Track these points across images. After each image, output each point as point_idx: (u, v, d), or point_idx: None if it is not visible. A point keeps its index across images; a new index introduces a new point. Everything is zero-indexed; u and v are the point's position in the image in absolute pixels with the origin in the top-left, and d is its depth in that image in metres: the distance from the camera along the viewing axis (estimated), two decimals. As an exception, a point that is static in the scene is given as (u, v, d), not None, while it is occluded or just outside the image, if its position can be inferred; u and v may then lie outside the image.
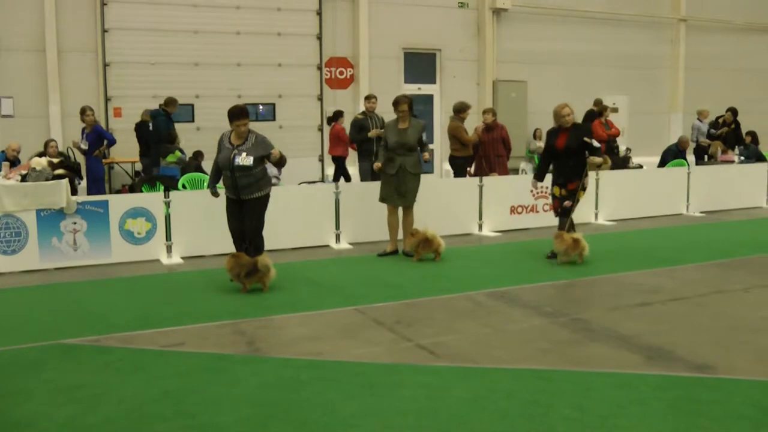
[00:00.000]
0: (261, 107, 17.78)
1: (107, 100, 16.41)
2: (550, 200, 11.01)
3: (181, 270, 10.09)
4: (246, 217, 8.95)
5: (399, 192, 10.54)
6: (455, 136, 13.71)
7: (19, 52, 15.70)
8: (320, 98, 18.36)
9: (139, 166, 16.11)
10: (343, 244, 11.60)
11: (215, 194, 9.21)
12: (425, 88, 19.90)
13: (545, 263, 10.02)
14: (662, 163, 17.35)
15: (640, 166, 17.00)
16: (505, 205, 12.92)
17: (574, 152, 10.01)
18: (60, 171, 11.43)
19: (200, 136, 16.27)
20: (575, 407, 5.09)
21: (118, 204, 10.46)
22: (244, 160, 8.68)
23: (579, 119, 17.15)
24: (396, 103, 10.56)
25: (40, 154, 12.72)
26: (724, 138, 19.31)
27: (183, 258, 10.63)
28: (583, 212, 13.47)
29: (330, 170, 18.12)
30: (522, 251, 10.94)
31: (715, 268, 9.77)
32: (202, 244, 10.67)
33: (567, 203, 10.10)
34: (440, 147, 19.33)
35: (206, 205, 10.12)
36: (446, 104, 18.50)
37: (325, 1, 18.22)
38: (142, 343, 6.76)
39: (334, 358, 6.24)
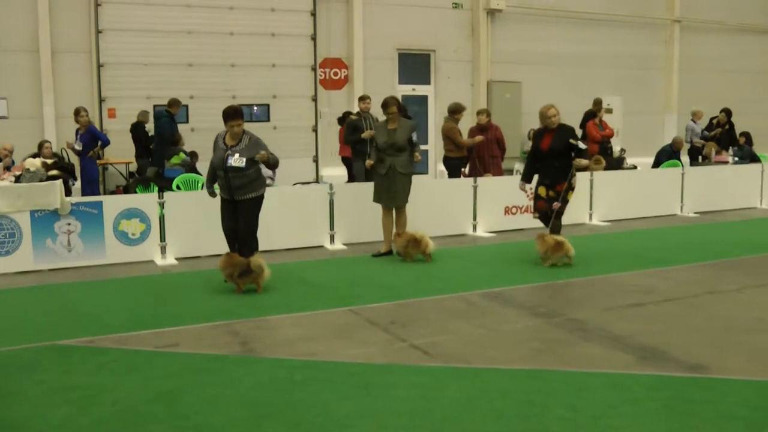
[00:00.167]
0: (255, 108, 17.76)
1: (101, 100, 16.37)
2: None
3: (175, 271, 10.08)
4: (240, 218, 8.96)
5: (389, 192, 10.56)
6: (449, 137, 13.71)
7: (13, 53, 15.66)
8: (314, 99, 18.34)
9: (133, 167, 16.09)
10: (338, 245, 11.60)
11: (212, 194, 9.21)
12: (419, 89, 19.90)
13: (539, 264, 10.02)
14: (656, 164, 17.39)
15: (635, 167, 17.04)
16: (499, 206, 12.94)
17: (559, 153, 9.97)
18: (54, 172, 11.43)
19: (194, 137, 16.25)
20: (569, 407, 5.10)
21: (113, 205, 10.45)
22: (237, 161, 8.69)
23: (576, 120, 17.26)
24: (385, 105, 10.59)
25: (35, 155, 12.70)
26: (718, 139, 19.35)
27: (177, 259, 10.62)
28: (577, 213, 13.52)
29: (326, 171, 18.15)
30: (516, 252, 10.95)
31: (708, 269, 9.79)
32: (196, 245, 10.66)
33: (556, 205, 10.08)
34: (435, 148, 19.34)
35: (200, 206, 10.12)
36: (440, 105, 18.50)
37: (319, 2, 18.21)
38: (137, 344, 6.76)
39: (329, 359, 6.25)
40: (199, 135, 15.84)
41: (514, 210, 13.04)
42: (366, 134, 12.82)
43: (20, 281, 9.49)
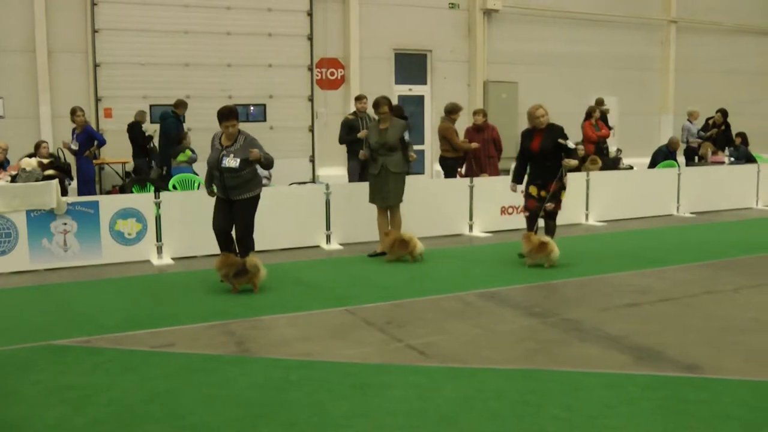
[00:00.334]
0: (252, 108, 17.76)
1: (98, 100, 16.36)
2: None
3: (171, 271, 10.08)
4: (236, 218, 8.96)
5: (382, 192, 10.57)
6: (446, 137, 13.72)
7: (9, 53, 15.64)
8: (311, 99, 18.34)
9: (129, 167, 16.08)
10: (334, 245, 11.60)
11: (212, 194, 9.19)
12: (416, 89, 19.90)
13: (537, 263, 10.00)
14: (653, 164, 17.40)
15: (631, 167, 17.04)
16: (495, 206, 12.94)
17: (549, 153, 9.94)
18: (50, 172, 11.42)
19: (191, 137, 16.23)
20: (564, 407, 5.11)
21: (109, 205, 10.44)
22: (231, 161, 8.69)
23: (574, 120, 17.27)
24: (376, 105, 10.62)
25: (31, 155, 12.69)
26: (714, 139, 19.38)
27: (173, 259, 10.62)
28: (573, 213, 13.54)
29: (323, 171, 18.14)
30: (512, 252, 10.92)
31: (704, 269, 9.80)
32: (192, 244, 10.66)
33: (549, 205, 10.06)
34: (431, 148, 19.34)
35: (197, 206, 10.12)
36: (437, 105, 18.53)
37: (315, 2, 18.20)
38: (132, 344, 6.75)
39: (324, 359, 6.25)
40: (196, 135, 15.81)
41: (510, 210, 13.04)
42: (362, 134, 12.82)
43: (16, 281, 9.49)
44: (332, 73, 18.66)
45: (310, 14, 18.17)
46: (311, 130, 18.38)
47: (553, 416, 4.97)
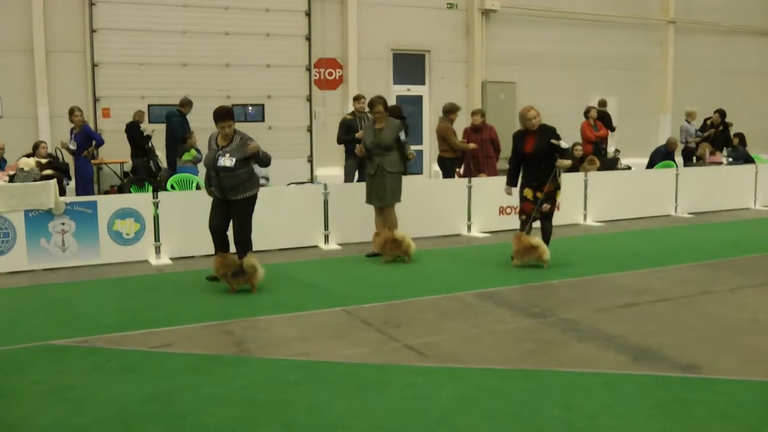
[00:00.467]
0: (250, 108, 17.76)
1: (96, 100, 16.36)
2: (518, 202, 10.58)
3: (169, 271, 10.07)
4: (233, 219, 8.96)
5: (378, 192, 10.57)
6: (444, 137, 13.73)
7: (7, 53, 15.64)
8: (309, 99, 18.35)
9: (128, 167, 16.08)
10: (332, 245, 11.60)
11: (212, 194, 9.18)
12: (414, 89, 19.92)
13: (533, 264, 10.01)
14: (651, 165, 17.41)
15: (629, 168, 17.06)
16: (493, 206, 12.94)
17: (543, 155, 9.89)
18: (48, 171, 11.42)
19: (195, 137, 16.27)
20: (563, 407, 5.11)
21: (107, 205, 10.44)
22: (227, 161, 8.69)
23: (573, 120, 17.30)
24: (371, 105, 10.64)
25: (29, 155, 12.69)
26: (712, 139, 19.40)
27: (172, 259, 10.62)
28: (571, 213, 13.56)
29: (321, 171, 18.15)
30: (510, 252, 10.94)
31: (702, 269, 9.81)
32: (190, 244, 10.65)
33: (546, 206, 10.05)
34: (429, 148, 19.35)
35: (195, 206, 10.12)
36: (435, 105, 18.52)
37: (313, 2, 18.21)
38: (131, 344, 6.75)
39: (323, 359, 6.25)
40: (195, 134, 15.82)
41: (508, 210, 13.04)
42: (360, 134, 12.83)
43: (14, 281, 9.48)
44: (330, 74, 18.67)
45: (308, 14, 18.18)
46: (309, 130, 18.39)
47: (552, 416, 4.98)
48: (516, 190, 10.37)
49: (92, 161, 15.03)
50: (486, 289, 8.69)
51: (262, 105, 17.86)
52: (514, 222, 12.79)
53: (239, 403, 5.25)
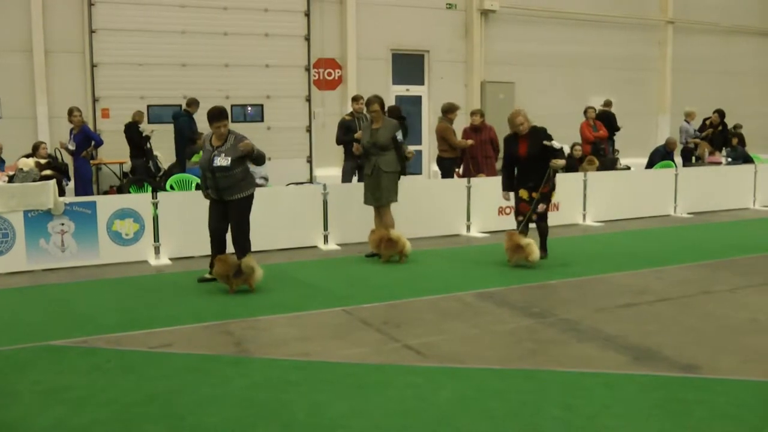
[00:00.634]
0: (249, 108, 17.76)
1: (95, 100, 16.35)
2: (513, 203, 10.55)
3: (169, 271, 10.07)
4: (231, 220, 8.95)
5: (374, 192, 10.57)
6: (443, 137, 13.73)
7: (6, 53, 15.63)
8: (308, 99, 18.35)
9: (127, 167, 16.07)
10: (331, 245, 11.60)
11: (208, 196, 9.18)
12: (413, 90, 19.92)
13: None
14: (650, 165, 17.42)
15: (628, 168, 17.06)
16: (493, 206, 12.92)
17: (538, 157, 9.89)
18: (47, 172, 11.41)
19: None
20: (562, 407, 5.11)
21: (106, 205, 10.43)
22: (222, 160, 8.70)
23: (572, 120, 17.31)
24: (368, 104, 10.66)
25: (28, 156, 12.68)
26: (711, 140, 19.40)
27: (171, 259, 10.61)
28: (570, 213, 13.57)
29: (320, 171, 18.14)
30: (510, 252, 10.97)
31: (702, 269, 9.81)
32: (190, 245, 10.64)
33: (542, 206, 10.06)
34: (428, 148, 19.36)
35: (194, 206, 10.11)
36: (434, 105, 18.51)
37: (312, 2, 18.21)
38: (130, 344, 6.75)
39: (322, 359, 6.25)
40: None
41: (507, 210, 13.00)
42: (359, 134, 12.83)
43: (13, 281, 9.47)
44: (329, 74, 18.67)
45: (307, 14, 18.17)
46: (308, 130, 18.39)
47: (552, 416, 4.98)
48: (513, 195, 10.35)
49: (91, 162, 15.03)
50: (486, 289, 8.69)
51: (261, 105, 17.85)
52: (513, 222, 12.82)
53: (239, 403, 5.25)
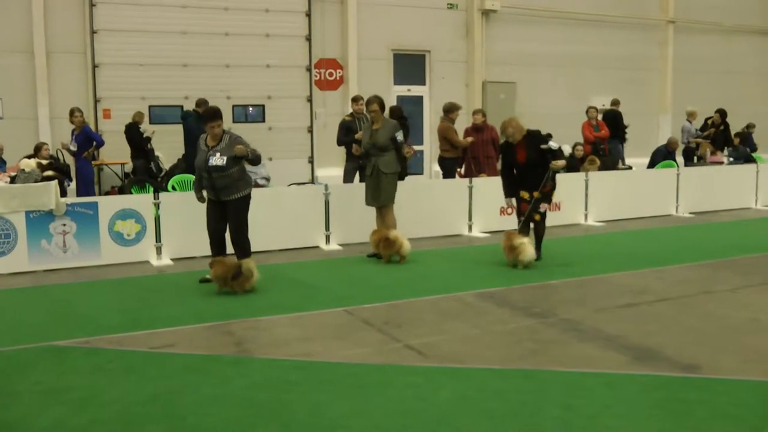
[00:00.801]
0: (251, 109, 17.75)
1: (96, 101, 16.35)
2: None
3: (170, 271, 10.08)
4: (229, 220, 8.96)
5: (373, 192, 10.58)
6: (445, 137, 13.73)
7: (7, 54, 15.64)
8: (310, 100, 18.34)
9: (128, 168, 16.08)
10: (333, 246, 11.61)
11: (201, 199, 9.19)
12: (414, 90, 19.90)
13: (534, 264, 10.00)
14: (651, 164, 17.43)
15: (630, 167, 17.06)
16: (494, 206, 12.91)
17: (537, 162, 9.90)
18: (49, 173, 11.42)
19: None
20: (563, 407, 5.12)
21: (108, 205, 10.45)
22: (218, 160, 8.71)
23: (573, 120, 17.30)
24: (367, 104, 10.70)
25: (30, 156, 12.69)
26: (713, 139, 19.40)
27: (172, 259, 10.62)
28: (572, 213, 13.56)
29: (321, 171, 18.14)
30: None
31: (703, 269, 9.81)
32: (191, 245, 10.64)
33: (544, 206, 10.06)
34: (430, 148, 19.35)
35: (196, 207, 10.10)
36: (436, 105, 18.50)
37: (313, 3, 18.20)
38: (132, 344, 6.76)
39: (323, 359, 6.26)
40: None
41: (509, 210, 12.98)
42: (359, 135, 12.83)
43: (15, 282, 9.48)
44: (331, 74, 18.67)
45: (308, 15, 18.17)
46: (310, 130, 18.38)
47: (552, 416, 4.99)
48: (515, 201, 10.35)
49: (93, 162, 15.03)
50: (486, 289, 8.69)
51: (263, 105, 17.85)
52: (514, 222, 12.82)
53: (240, 404, 5.26)
